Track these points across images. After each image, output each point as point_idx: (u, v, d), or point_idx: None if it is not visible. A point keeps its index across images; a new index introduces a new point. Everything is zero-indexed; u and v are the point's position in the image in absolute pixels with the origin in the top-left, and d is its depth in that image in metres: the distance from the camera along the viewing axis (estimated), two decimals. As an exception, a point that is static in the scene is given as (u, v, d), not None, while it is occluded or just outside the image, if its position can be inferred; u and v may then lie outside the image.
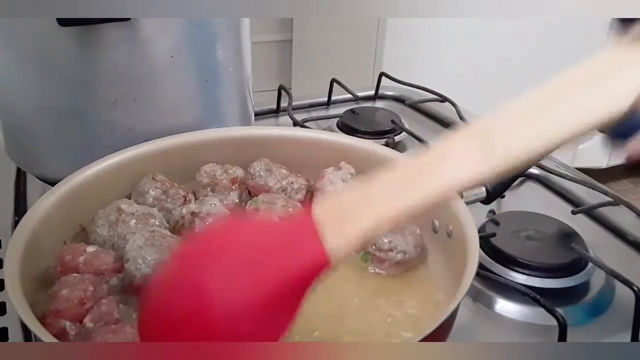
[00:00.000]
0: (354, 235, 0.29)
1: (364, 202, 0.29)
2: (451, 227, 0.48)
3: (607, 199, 0.67)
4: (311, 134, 0.62)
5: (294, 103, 0.88)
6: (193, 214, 0.50)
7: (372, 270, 0.50)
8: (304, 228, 0.29)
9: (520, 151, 0.26)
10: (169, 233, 0.48)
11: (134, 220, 0.49)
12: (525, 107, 0.26)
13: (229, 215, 0.42)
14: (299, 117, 0.83)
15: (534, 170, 0.73)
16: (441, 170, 0.27)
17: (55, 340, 0.36)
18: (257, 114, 0.73)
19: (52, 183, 0.51)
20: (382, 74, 0.97)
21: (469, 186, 0.27)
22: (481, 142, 0.26)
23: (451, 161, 0.27)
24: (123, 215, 0.49)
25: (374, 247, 0.49)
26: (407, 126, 0.82)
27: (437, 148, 0.28)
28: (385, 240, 0.49)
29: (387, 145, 0.75)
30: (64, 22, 0.51)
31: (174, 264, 0.33)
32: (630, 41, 0.25)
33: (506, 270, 0.55)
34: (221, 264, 0.31)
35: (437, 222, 0.51)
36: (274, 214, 0.51)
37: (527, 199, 0.71)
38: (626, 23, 0.25)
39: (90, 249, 0.47)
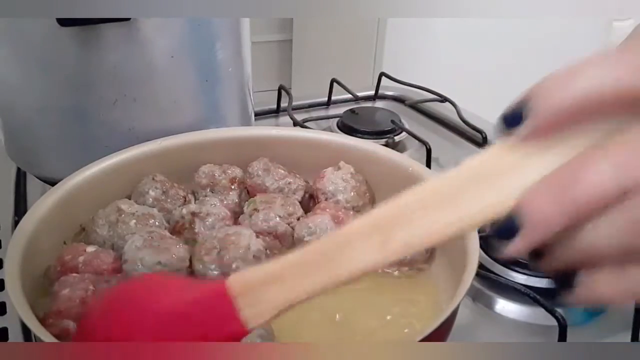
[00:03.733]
0: (266, 314, 0.31)
1: (276, 280, 0.31)
2: (451, 227, 0.48)
3: (607, 199, 0.67)
4: (311, 134, 0.62)
5: (294, 103, 0.88)
6: (193, 214, 0.50)
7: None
8: (219, 304, 0.31)
9: (410, 247, 0.28)
10: (167, 234, 0.48)
11: (134, 221, 0.49)
12: (415, 205, 0.28)
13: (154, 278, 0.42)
14: (299, 117, 0.83)
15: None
16: (343, 259, 0.29)
17: (55, 340, 0.36)
18: (257, 114, 0.73)
19: (52, 183, 0.51)
20: (382, 74, 0.97)
21: (365, 274, 0.29)
22: (379, 235, 0.28)
23: (351, 251, 0.29)
24: (123, 215, 0.49)
25: None
26: (407, 126, 0.82)
27: (340, 234, 0.30)
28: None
29: (387, 145, 0.75)
30: (64, 22, 0.51)
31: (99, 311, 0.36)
32: (514, 142, 0.26)
33: (506, 270, 0.55)
34: (138, 323, 0.34)
35: (437, 222, 0.51)
36: (272, 213, 0.51)
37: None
38: (511, 125, 0.25)
39: (90, 248, 0.47)
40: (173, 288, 0.36)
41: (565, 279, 0.25)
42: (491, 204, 0.26)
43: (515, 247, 0.25)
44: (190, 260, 0.46)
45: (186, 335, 0.33)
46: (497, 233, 0.25)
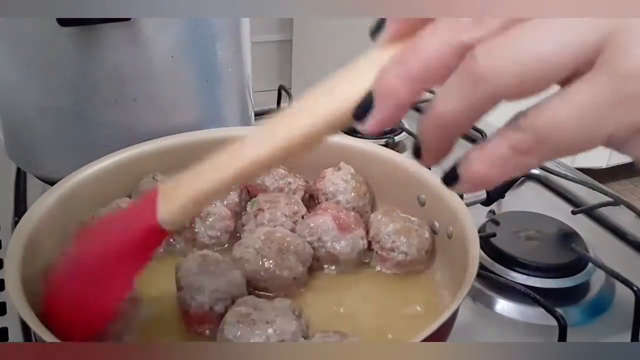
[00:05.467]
0: (175, 209, 0.36)
1: (188, 180, 0.37)
2: (451, 228, 0.48)
3: (607, 199, 0.67)
4: (311, 134, 0.62)
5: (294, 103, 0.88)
6: (193, 214, 0.50)
7: (376, 269, 0.50)
8: (147, 206, 0.37)
9: (292, 140, 0.32)
10: (220, 257, 0.47)
11: (134, 220, 0.49)
12: (293, 110, 0.33)
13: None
14: (299, 117, 0.83)
15: (534, 171, 0.73)
16: (237, 155, 0.35)
17: (55, 340, 0.36)
18: (257, 114, 0.73)
19: (52, 183, 0.51)
20: (382, 74, 0.97)
21: (260, 168, 0.34)
22: (266, 130, 0.34)
23: (244, 147, 0.35)
24: (123, 215, 0.49)
25: (378, 245, 0.49)
26: (407, 126, 0.82)
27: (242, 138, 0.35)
28: (389, 240, 0.49)
29: (387, 145, 0.75)
30: (64, 22, 0.51)
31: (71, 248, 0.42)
32: (385, 41, 0.29)
33: (506, 270, 0.55)
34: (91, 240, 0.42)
35: (437, 224, 0.51)
36: (278, 212, 0.51)
37: (527, 199, 0.71)
38: (380, 26, 0.29)
39: None
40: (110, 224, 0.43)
41: (450, 174, 0.27)
42: (349, 93, 0.29)
43: (371, 122, 0.27)
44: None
45: (118, 235, 0.39)
46: (355, 114, 0.28)
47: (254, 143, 0.34)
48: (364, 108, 0.27)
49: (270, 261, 0.46)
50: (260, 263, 0.46)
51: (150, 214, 0.36)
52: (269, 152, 0.33)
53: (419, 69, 0.25)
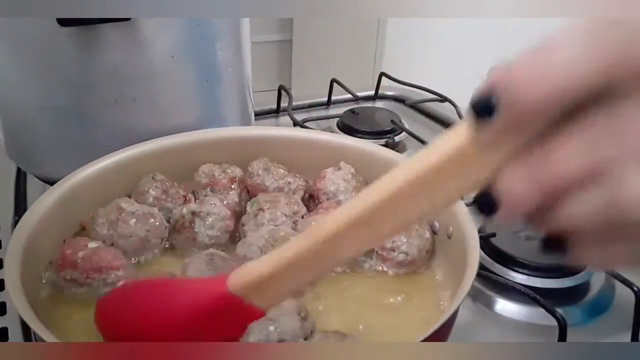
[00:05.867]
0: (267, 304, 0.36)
1: (269, 281, 0.34)
2: (451, 228, 0.48)
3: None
4: (311, 134, 0.62)
5: (294, 103, 0.88)
6: (193, 213, 0.50)
7: (377, 269, 0.50)
8: (227, 299, 0.36)
9: (394, 234, 0.34)
10: (226, 255, 0.47)
11: (134, 219, 0.49)
12: (395, 195, 0.29)
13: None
14: (299, 117, 0.83)
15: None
16: (333, 253, 0.32)
17: (55, 340, 0.36)
18: (257, 114, 0.73)
19: (52, 183, 0.51)
20: (382, 74, 0.97)
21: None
22: (366, 229, 0.31)
23: (340, 245, 0.32)
24: (123, 214, 0.49)
25: None
26: (407, 126, 0.82)
27: (327, 230, 0.32)
28: (389, 240, 0.49)
29: (387, 145, 0.75)
30: (64, 22, 0.51)
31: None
32: (486, 141, 0.26)
33: (506, 270, 0.55)
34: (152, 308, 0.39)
35: (437, 224, 0.51)
36: (279, 212, 0.51)
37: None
38: (481, 114, 0.26)
39: (92, 244, 0.47)
40: (178, 290, 0.40)
41: (556, 243, 0.27)
42: (464, 187, 0.28)
43: (497, 221, 0.27)
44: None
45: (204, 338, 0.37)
46: (480, 209, 0.27)
47: (355, 240, 0.32)
48: (487, 205, 0.26)
49: None
50: None
51: (242, 311, 0.36)
52: (371, 247, 0.33)
53: (552, 180, 0.25)
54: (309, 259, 0.33)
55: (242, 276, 0.36)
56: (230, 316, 0.37)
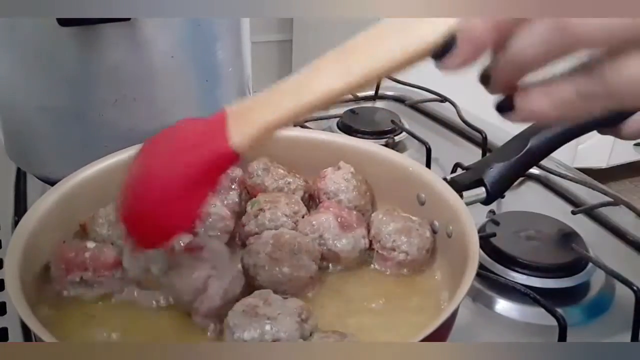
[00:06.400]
0: (250, 133, 0.36)
1: (261, 105, 0.36)
2: (451, 227, 0.48)
3: (607, 199, 0.67)
4: (311, 134, 0.62)
5: (294, 103, 0.88)
6: (193, 213, 0.50)
7: (376, 269, 0.50)
8: (215, 128, 0.37)
9: (367, 73, 0.32)
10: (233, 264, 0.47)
11: (134, 220, 0.49)
12: (366, 40, 0.33)
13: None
14: (299, 117, 0.83)
15: (534, 171, 0.73)
16: (312, 86, 0.34)
17: (55, 340, 0.36)
18: (257, 114, 0.73)
19: (52, 183, 0.51)
20: (382, 74, 0.96)
21: (330, 99, 0.34)
22: (341, 65, 0.33)
23: (319, 79, 0.34)
24: (123, 215, 0.49)
25: (378, 244, 0.49)
26: (407, 126, 0.82)
27: (309, 67, 0.34)
28: (390, 239, 0.49)
29: (387, 145, 0.75)
30: (64, 22, 0.51)
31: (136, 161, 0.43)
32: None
33: (506, 270, 0.55)
34: (155, 161, 0.42)
35: (437, 223, 0.51)
36: (279, 212, 0.51)
37: (527, 199, 0.71)
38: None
39: (90, 244, 0.47)
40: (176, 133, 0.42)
41: (506, 103, 0.30)
42: (429, 32, 0.30)
43: (452, 61, 0.29)
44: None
45: (186, 157, 0.39)
46: (435, 53, 0.29)
47: (329, 73, 0.34)
48: (444, 47, 0.29)
49: (286, 264, 0.45)
50: (278, 268, 0.45)
51: (220, 137, 0.36)
52: (345, 83, 0.33)
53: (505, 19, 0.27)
54: (290, 90, 0.35)
55: (237, 103, 0.37)
56: (208, 141, 0.38)
